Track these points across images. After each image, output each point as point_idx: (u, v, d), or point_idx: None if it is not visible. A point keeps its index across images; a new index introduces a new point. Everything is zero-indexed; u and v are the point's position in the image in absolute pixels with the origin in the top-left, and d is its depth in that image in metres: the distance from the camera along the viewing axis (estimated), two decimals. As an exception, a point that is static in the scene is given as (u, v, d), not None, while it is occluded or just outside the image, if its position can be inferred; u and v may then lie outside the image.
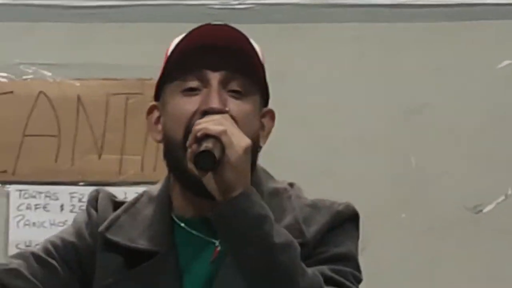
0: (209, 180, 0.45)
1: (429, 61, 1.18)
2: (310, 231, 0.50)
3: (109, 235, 0.53)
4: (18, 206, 1.14)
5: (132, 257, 0.52)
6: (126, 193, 1.22)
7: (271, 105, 0.52)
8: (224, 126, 0.45)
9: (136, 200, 0.56)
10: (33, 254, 0.53)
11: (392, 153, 1.17)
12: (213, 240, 0.49)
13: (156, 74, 0.51)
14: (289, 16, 1.15)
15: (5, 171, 1.17)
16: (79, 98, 1.16)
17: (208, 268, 0.51)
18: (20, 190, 1.14)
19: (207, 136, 0.44)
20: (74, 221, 0.56)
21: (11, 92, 1.15)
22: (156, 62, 0.50)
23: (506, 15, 1.02)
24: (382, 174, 1.07)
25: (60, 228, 1.22)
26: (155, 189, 0.56)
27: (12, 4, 1.10)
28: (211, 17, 1.03)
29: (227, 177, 0.44)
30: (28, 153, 1.16)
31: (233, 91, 0.49)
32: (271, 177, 0.54)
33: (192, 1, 1.15)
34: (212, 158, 0.43)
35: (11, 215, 1.15)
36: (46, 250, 0.53)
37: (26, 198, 1.14)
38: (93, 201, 0.56)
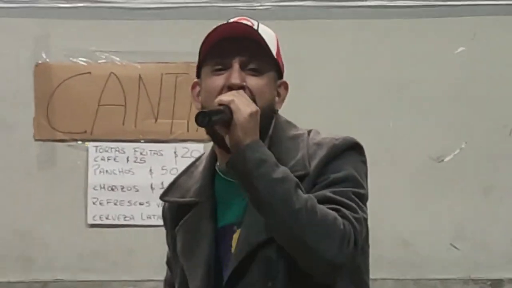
0: (226, 138, 0.54)
1: (405, 49, 1.46)
2: (312, 164, 0.57)
3: (165, 198, 0.64)
4: (95, 158, 1.44)
5: (185, 208, 0.62)
6: (175, 148, 1.56)
7: (291, 85, 0.63)
8: (234, 97, 0.54)
9: (198, 158, 0.68)
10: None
11: (377, 119, 1.46)
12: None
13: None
14: (297, 15, 1.43)
15: (85, 132, 1.48)
16: (140, 77, 1.47)
17: (242, 205, 0.59)
18: (96, 146, 1.45)
19: (220, 105, 0.54)
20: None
21: (89, 72, 1.46)
22: (197, 50, 0.59)
23: (459, 12, 1.29)
24: (369, 133, 1.35)
25: (126, 175, 1.57)
26: (202, 157, 0.68)
27: (89, 7, 1.41)
28: (238, 16, 1.32)
29: (236, 134, 0.53)
30: (102, 119, 1.47)
31: (252, 69, 0.58)
32: (293, 126, 0.62)
33: (224, 3, 1.44)
34: (206, 118, 0.52)
35: (90, 165, 1.43)
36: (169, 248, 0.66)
37: (100, 152, 1.44)
38: (165, 198, 0.65)
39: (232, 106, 0.53)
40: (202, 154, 0.69)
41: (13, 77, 1.42)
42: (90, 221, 1.41)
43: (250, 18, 0.63)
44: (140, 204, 1.43)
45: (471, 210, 1.38)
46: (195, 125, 1.04)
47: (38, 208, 1.43)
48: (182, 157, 1.42)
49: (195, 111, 1.17)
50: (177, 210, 0.64)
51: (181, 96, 1.41)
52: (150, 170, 1.44)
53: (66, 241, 1.43)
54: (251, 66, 0.58)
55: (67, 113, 1.43)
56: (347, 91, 1.45)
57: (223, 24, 0.61)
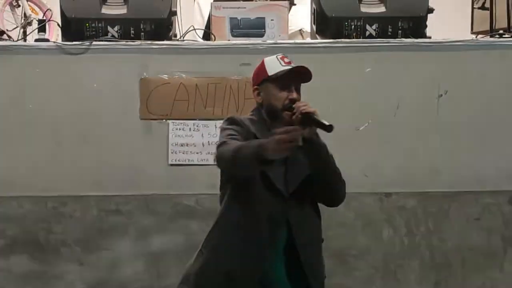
0: (308, 129, 1.36)
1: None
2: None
3: (250, 128, 1.43)
4: (172, 129, 2.39)
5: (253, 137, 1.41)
6: (216, 123, 2.58)
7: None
8: (312, 108, 1.38)
9: (251, 119, 1.47)
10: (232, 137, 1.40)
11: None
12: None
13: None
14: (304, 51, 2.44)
15: (167, 115, 2.46)
16: (196, 85, 2.55)
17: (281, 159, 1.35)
18: (173, 122, 2.41)
19: (307, 112, 1.35)
20: (226, 126, 1.45)
21: (169, 83, 2.57)
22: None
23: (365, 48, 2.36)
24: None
25: (189, 137, 2.64)
26: (254, 118, 1.48)
27: (170, 46, 2.54)
28: (261, 51, 2.32)
29: (313, 131, 1.38)
30: (176, 107, 2.56)
31: (297, 89, 1.45)
32: None
33: (245, 40, 2.51)
34: (314, 124, 1.35)
35: (170, 133, 2.40)
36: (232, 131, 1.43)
37: (175, 125, 2.40)
38: (237, 121, 1.45)
39: (316, 114, 1.38)
40: (250, 118, 1.49)
41: (129, 86, 2.57)
42: (170, 163, 2.50)
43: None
44: (196, 153, 2.56)
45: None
46: (228, 110, 2.31)
47: (143, 156, 2.58)
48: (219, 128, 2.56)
49: (226, 103, 2.46)
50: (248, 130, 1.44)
51: (218, 95, 2.46)
52: (202, 135, 2.56)
53: (158, 173, 2.58)
54: (297, 89, 1.46)
55: (157, 104, 2.44)
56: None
57: (288, 68, 1.44)
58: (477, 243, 2.48)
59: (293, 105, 1.41)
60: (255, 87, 1.54)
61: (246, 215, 1.44)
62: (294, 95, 1.45)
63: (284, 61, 1.50)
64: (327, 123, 1.35)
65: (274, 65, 1.50)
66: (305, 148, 1.42)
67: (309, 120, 1.38)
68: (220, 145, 1.43)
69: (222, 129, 1.50)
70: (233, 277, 1.41)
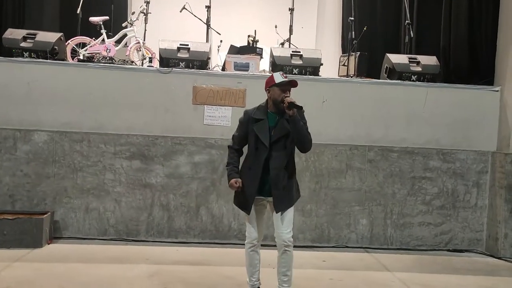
0: (289, 111, 3.27)
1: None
2: (300, 114, 3.37)
3: (253, 115, 3.42)
4: (206, 109, 5.68)
5: (258, 120, 3.40)
6: (233, 108, 5.81)
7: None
8: (294, 100, 3.27)
9: (259, 106, 3.47)
10: (237, 134, 3.57)
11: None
12: (277, 116, 3.39)
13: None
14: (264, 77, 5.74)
15: (203, 102, 5.75)
16: (217, 90, 5.76)
17: (273, 124, 3.38)
18: (207, 107, 5.58)
19: (291, 102, 3.27)
20: (241, 118, 3.55)
21: (205, 88, 5.74)
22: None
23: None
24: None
25: (216, 111, 5.80)
26: (262, 105, 3.48)
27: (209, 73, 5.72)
28: (247, 77, 5.64)
29: (295, 113, 3.27)
30: (208, 100, 5.73)
31: (289, 91, 3.36)
32: None
33: (240, 72, 5.74)
34: (294, 107, 3.24)
35: (205, 113, 5.74)
36: (239, 127, 3.56)
37: (208, 109, 5.55)
38: (245, 112, 3.51)
39: (295, 102, 3.27)
40: (259, 105, 3.48)
41: (189, 89, 5.67)
42: (204, 123, 5.61)
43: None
44: (216, 120, 5.69)
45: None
46: (229, 102, 5.96)
47: (193, 120, 5.71)
48: (227, 110, 5.77)
49: (229, 99, 6.13)
50: (255, 119, 3.39)
51: (227, 96, 5.73)
52: (218, 112, 5.68)
53: (199, 127, 5.71)
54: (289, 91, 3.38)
55: (199, 98, 5.53)
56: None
57: (285, 80, 3.35)
58: (335, 166, 5.72)
59: (285, 99, 3.23)
60: (267, 88, 3.37)
61: (252, 155, 3.43)
62: (287, 94, 3.28)
63: (283, 76, 3.34)
64: (300, 105, 3.17)
65: (278, 77, 3.33)
66: (290, 121, 3.23)
67: (292, 105, 3.18)
68: (232, 137, 3.69)
69: (239, 120, 3.57)
70: (253, 172, 3.44)
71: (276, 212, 3.44)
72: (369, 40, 6.84)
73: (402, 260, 5.25)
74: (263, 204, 3.52)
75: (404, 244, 5.69)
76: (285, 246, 3.42)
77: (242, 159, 3.68)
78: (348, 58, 6.41)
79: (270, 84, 3.38)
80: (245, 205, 3.45)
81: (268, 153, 3.35)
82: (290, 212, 3.45)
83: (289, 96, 3.31)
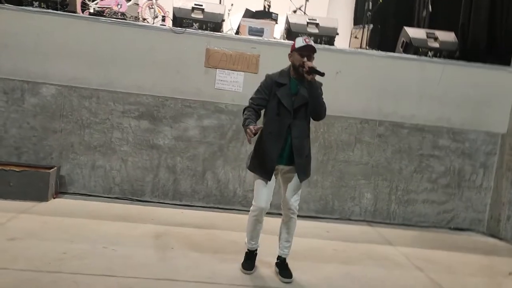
0: (308, 76, 3.11)
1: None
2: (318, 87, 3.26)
3: (275, 79, 3.28)
4: (219, 73, 5.64)
5: (281, 85, 3.27)
6: (245, 73, 5.73)
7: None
8: (315, 66, 3.11)
9: (282, 71, 3.32)
10: (257, 97, 3.33)
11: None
12: (298, 83, 3.24)
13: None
14: (279, 44, 5.61)
15: (216, 66, 5.64)
16: (231, 54, 5.67)
17: (295, 91, 3.24)
18: (219, 71, 5.56)
19: (311, 66, 3.11)
20: (263, 82, 3.35)
21: (218, 52, 5.58)
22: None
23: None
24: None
25: (228, 76, 5.73)
26: (284, 70, 3.33)
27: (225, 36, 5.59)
28: (261, 42, 5.52)
29: (314, 78, 3.13)
30: (221, 64, 5.61)
31: (310, 57, 3.17)
32: None
33: (254, 37, 5.62)
34: (315, 72, 3.08)
35: (216, 77, 5.67)
36: (260, 90, 3.35)
37: (220, 73, 5.55)
38: (267, 76, 3.33)
39: (316, 67, 3.10)
40: (282, 70, 3.33)
41: (201, 51, 5.54)
42: (216, 87, 5.55)
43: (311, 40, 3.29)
44: (227, 85, 5.61)
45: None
46: (242, 67, 5.83)
47: (204, 84, 5.63)
48: (239, 76, 5.66)
49: (242, 64, 5.98)
50: (277, 83, 3.25)
51: (240, 60, 5.65)
52: (230, 77, 5.61)
53: (210, 91, 5.62)
54: (311, 56, 3.19)
55: (212, 61, 5.40)
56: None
57: (306, 45, 3.17)
58: (344, 139, 5.69)
59: (305, 63, 3.09)
60: (289, 53, 3.24)
61: (273, 120, 3.25)
62: (305, 59, 3.11)
63: (305, 41, 3.16)
64: (321, 72, 2.99)
65: (299, 42, 3.18)
66: (308, 87, 3.12)
67: (312, 70, 3.05)
68: (250, 99, 3.37)
69: (260, 84, 3.35)
70: (275, 138, 3.28)
71: (300, 182, 3.39)
72: (382, 14, 6.68)
73: (405, 235, 5.29)
74: (277, 172, 3.42)
75: (407, 220, 5.72)
76: (291, 214, 3.43)
77: (247, 99, 3.52)
78: (362, 31, 6.27)
79: (292, 49, 3.29)
80: (266, 171, 3.31)
81: (292, 119, 3.26)
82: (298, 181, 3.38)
83: (308, 61, 3.17)
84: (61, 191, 5.26)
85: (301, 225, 5.01)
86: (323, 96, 3.31)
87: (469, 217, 5.77)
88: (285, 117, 3.26)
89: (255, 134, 3.07)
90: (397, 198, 5.70)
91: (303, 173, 3.37)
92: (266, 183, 3.32)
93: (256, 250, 3.66)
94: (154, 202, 5.42)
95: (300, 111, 3.27)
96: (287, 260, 3.62)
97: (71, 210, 4.72)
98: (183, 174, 5.49)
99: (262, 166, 3.34)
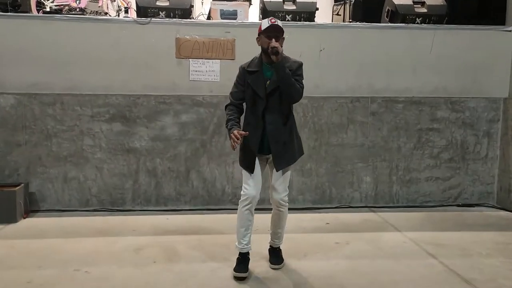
0: (274, 57, 2.93)
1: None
2: (293, 67, 3.02)
3: (246, 68, 3.11)
4: (192, 64, 5.22)
5: (252, 72, 3.09)
6: (221, 61, 5.26)
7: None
8: (279, 46, 2.93)
9: (253, 58, 3.14)
10: (235, 90, 3.20)
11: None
12: (271, 68, 3.03)
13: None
14: (254, 26, 5.16)
15: (188, 56, 5.21)
16: (203, 42, 5.20)
17: (269, 75, 3.05)
18: (192, 61, 5.21)
19: (274, 47, 2.92)
20: (237, 74, 3.20)
21: (189, 40, 5.16)
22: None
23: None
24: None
25: (203, 65, 5.26)
26: (256, 57, 3.14)
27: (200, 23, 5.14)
28: (235, 25, 5.05)
29: (279, 58, 2.94)
30: (194, 53, 5.15)
31: (277, 37, 2.96)
32: (288, 56, 3.07)
33: (227, 21, 5.15)
34: (277, 52, 2.91)
35: (190, 68, 5.25)
36: (236, 84, 3.20)
37: (194, 64, 5.14)
38: (240, 67, 3.18)
39: (279, 48, 2.91)
40: (254, 57, 3.14)
41: (170, 41, 5.06)
42: (190, 79, 5.07)
43: (277, 19, 3.03)
44: (202, 75, 5.15)
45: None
46: (217, 54, 5.31)
47: (177, 76, 5.16)
48: (215, 64, 5.20)
49: (217, 51, 5.46)
50: (248, 71, 3.08)
51: (214, 47, 5.15)
52: (206, 66, 5.14)
53: (184, 84, 5.17)
54: (278, 38, 2.96)
55: (184, 51, 4.96)
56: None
57: (271, 25, 2.96)
58: (335, 121, 5.26)
59: (269, 45, 2.95)
60: (257, 37, 3.08)
61: (249, 110, 3.16)
62: (272, 41, 2.95)
63: (270, 21, 2.98)
64: (280, 51, 2.91)
65: (264, 24, 3.00)
66: (273, 66, 2.97)
67: (273, 51, 2.93)
68: (230, 95, 3.25)
69: (236, 77, 3.21)
70: (253, 127, 3.13)
71: (277, 170, 3.19)
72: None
73: (411, 218, 4.89)
74: (263, 161, 3.25)
75: (411, 201, 5.32)
76: (280, 205, 3.29)
77: (226, 89, 3.44)
78: (344, 6, 5.83)
79: (259, 31, 3.11)
80: (248, 163, 3.18)
81: (265, 105, 3.09)
82: (288, 171, 3.24)
83: (274, 43, 2.99)
84: (32, 210, 4.79)
85: (298, 218, 4.65)
86: (304, 75, 3.15)
87: (477, 191, 5.38)
88: (260, 104, 3.11)
89: (238, 140, 2.98)
90: (399, 179, 5.29)
91: (281, 160, 3.16)
92: (252, 172, 3.18)
93: (248, 253, 3.35)
94: (136, 210, 4.98)
95: (274, 95, 3.09)
96: (281, 247, 3.56)
97: (42, 230, 4.27)
98: (165, 177, 5.04)
99: (245, 159, 3.23)
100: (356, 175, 5.25)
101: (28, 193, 4.74)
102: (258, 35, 3.10)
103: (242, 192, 3.21)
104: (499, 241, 4.24)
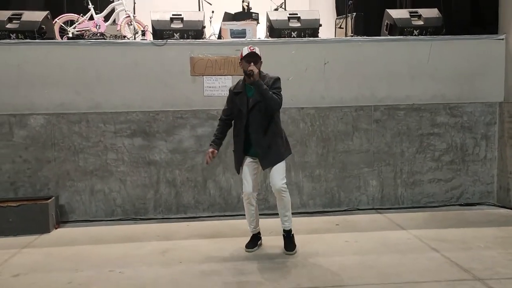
0: (252, 78, 3.68)
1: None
2: (269, 82, 3.75)
3: (233, 90, 3.92)
4: (206, 80, 5.57)
5: (237, 93, 3.87)
6: (226, 76, 5.64)
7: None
8: (254, 69, 3.69)
9: (239, 80, 3.95)
10: (225, 108, 4.01)
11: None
12: (252, 88, 3.76)
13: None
14: (262, 43, 5.56)
15: (202, 73, 5.60)
16: (216, 60, 5.54)
17: (251, 95, 3.79)
18: (206, 78, 5.48)
19: (251, 70, 3.69)
20: (228, 95, 3.99)
21: (202, 59, 5.47)
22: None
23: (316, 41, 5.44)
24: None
25: (215, 81, 5.63)
26: (241, 79, 3.91)
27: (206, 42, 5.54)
28: (244, 43, 5.43)
29: (255, 78, 3.69)
30: (207, 70, 5.60)
31: (255, 61, 3.74)
32: (266, 74, 3.82)
33: (237, 39, 5.55)
34: (251, 74, 3.69)
35: (204, 84, 5.60)
36: (226, 103, 4.02)
37: (207, 80, 5.46)
38: (230, 89, 3.99)
39: (255, 70, 3.69)
40: (239, 80, 3.94)
41: (185, 60, 5.45)
42: (205, 95, 5.45)
43: (254, 46, 3.78)
44: (216, 91, 5.53)
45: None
46: (229, 71, 5.73)
47: (193, 92, 5.54)
48: (227, 80, 5.57)
49: (228, 68, 5.93)
50: (235, 93, 3.87)
51: (225, 65, 5.47)
52: (218, 83, 5.53)
53: (199, 99, 5.55)
54: (255, 62, 3.74)
55: (198, 69, 5.39)
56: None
57: (249, 52, 3.74)
58: (341, 129, 5.60)
59: (248, 70, 3.67)
60: (239, 61, 3.84)
61: (235, 124, 3.90)
62: (251, 65, 3.68)
63: (249, 49, 3.73)
64: (254, 74, 3.66)
65: (244, 51, 3.74)
66: (252, 85, 3.70)
67: (249, 74, 3.68)
68: (222, 111, 4.10)
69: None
70: (238, 138, 3.88)
71: (263, 169, 3.94)
72: (364, 0, 6.61)
73: (415, 218, 5.19)
74: (254, 162, 3.97)
75: (416, 202, 5.63)
76: (280, 192, 3.90)
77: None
78: (346, 20, 6.21)
79: (240, 57, 3.85)
80: (237, 165, 4.02)
81: (247, 118, 3.80)
82: (280, 165, 3.88)
83: (252, 67, 3.74)
84: (62, 221, 5.17)
85: (310, 221, 5.00)
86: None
87: (478, 190, 5.67)
88: (242, 118, 3.84)
89: (208, 159, 3.95)
90: (403, 182, 5.61)
91: (265, 160, 3.87)
92: (238, 173, 4.01)
93: (259, 233, 4.21)
94: (158, 218, 5.33)
95: (255, 109, 3.80)
96: (293, 232, 4.12)
97: (74, 238, 4.63)
98: (184, 187, 5.40)
99: (235, 162, 4.06)
100: (362, 179, 5.58)
101: (58, 205, 5.11)
102: (240, 60, 3.83)
103: (242, 189, 4.03)
104: (498, 236, 4.53)
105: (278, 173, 3.86)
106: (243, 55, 3.77)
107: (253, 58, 3.75)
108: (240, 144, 3.89)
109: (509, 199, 5.50)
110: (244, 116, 3.81)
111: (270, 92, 3.70)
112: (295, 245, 4.04)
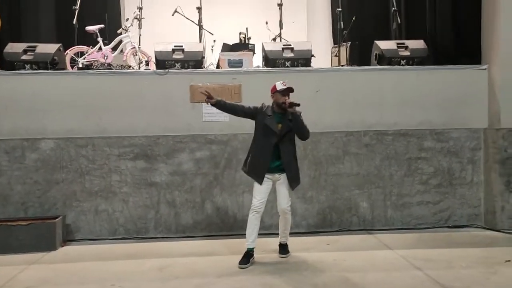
0: (289, 109, 4.26)
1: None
2: (298, 113, 4.28)
3: (264, 110, 4.38)
4: (205, 107, 5.90)
5: (268, 115, 4.35)
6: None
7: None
8: (293, 102, 4.21)
9: (268, 106, 4.41)
10: (247, 107, 4.43)
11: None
12: (280, 115, 4.36)
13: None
14: (258, 72, 5.94)
15: (199, 101, 5.97)
16: (213, 88, 5.97)
17: (279, 120, 4.34)
18: (204, 105, 5.91)
19: (290, 102, 4.25)
20: (256, 107, 4.43)
21: (202, 86, 5.95)
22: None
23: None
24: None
25: (215, 114, 6.00)
26: (265, 105, 4.43)
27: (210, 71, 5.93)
28: (240, 73, 5.83)
29: (295, 111, 4.26)
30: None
31: (288, 95, 4.34)
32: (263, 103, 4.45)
33: (234, 69, 5.94)
34: (294, 105, 4.22)
35: (203, 110, 5.94)
36: (251, 107, 4.43)
37: (206, 107, 5.92)
38: (261, 105, 4.42)
39: (293, 104, 4.23)
40: (267, 105, 4.45)
41: (185, 88, 5.87)
42: (203, 120, 5.73)
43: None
44: (214, 116, 5.89)
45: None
46: (227, 99, 6.07)
47: (192, 118, 5.88)
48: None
49: (226, 95, 6.26)
50: (266, 114, 4.35)
51: (223, 92, 5.91)
52: (216, 109, 5.94)
53: (198, 124, 5.91)
54: (289, 95, 4.34)
55: (197, 96, 5.84)
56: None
57: (288, 87, 4.34)
58: (332, 153, 5.90)
59: (286, 101, 4.24)
60: (272, 94, 4.39)
61: (261, 139, 4.32)
62: (287, 98, 4.29)
63: (283, 84, 4.32)
64: (297, 103, 4.22)
65: (279, 86, 4.33)
66: (292, 118, 4.24)
67: (292, 104, 4.21)
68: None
69: (256, 107, 4.46)
70: (259, 162, 4.36)
71: (292, 189, 4.50)
72: (359, 30, 6.99)
73: (404, 238, 5.43)
74: (270, 181, 4.45)
75: (405, 224, 5.86)
76: (286, 213, 4.52)
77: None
78: (339, 49, 6.58)
79: (273, 91, 4.42)
80: (258, 177, 4.39)
81: (278, 143, 4.33)
82: (289, 188, 4.47)
83: (288, 99, 4.34)
84: (68, 239, 5.47)
85: (302, 241, 5.27)
86: (304, 117, 4.39)
87: (466, 213, 5.91)
88: (271, 138, 4.32)
89: (208, 97, 4.52)
90: (392, 203, 5.86)
91: (293, 182, 4.47)
92: (260, 184, 4.38)
93: (253, 250, 4.49)
94: (158, 237, 5.62)
95: (285, 136, 4.34)
96: (287, 243, 4.79)
97: (79, 255, 4.93)
98: (183, 207, 5.70)
99: (256, 173, 4.42)
100: (353, 201, 5.85)
101: (65, 224, 5.43)
102: (273, 93, 4.40)
103: (252, 204, 4.43)
104: (482, 256, 4.75)
105: (286, 196, 4.45)
106: (277, 89, 4.36)
107: (289, 92, 4.36)
108: (267, 158, 4.34)
109: (495, 221, 5.73)
110: (275, 137, 4.30)
111: (305, 123, 4.35)
112: (288, 251, 4.74)
